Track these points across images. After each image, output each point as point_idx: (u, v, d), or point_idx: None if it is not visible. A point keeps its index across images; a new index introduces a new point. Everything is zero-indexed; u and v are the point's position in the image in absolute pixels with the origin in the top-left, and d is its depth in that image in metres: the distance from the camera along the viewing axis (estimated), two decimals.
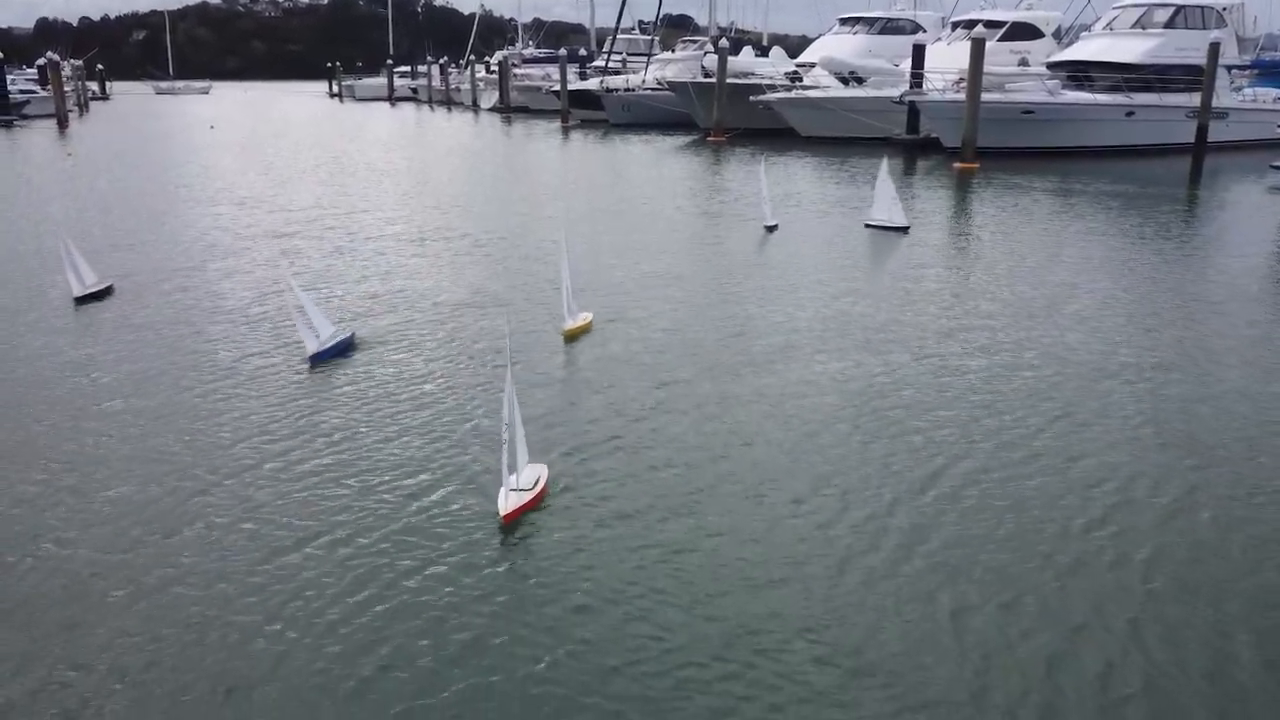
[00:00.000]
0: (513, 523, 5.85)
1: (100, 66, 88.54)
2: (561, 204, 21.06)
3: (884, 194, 17.17)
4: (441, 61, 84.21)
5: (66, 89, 54.14)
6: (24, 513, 6.11)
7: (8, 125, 47.89)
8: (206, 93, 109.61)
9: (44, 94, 57.36)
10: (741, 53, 46.14)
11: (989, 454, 7.07)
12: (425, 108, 76.34)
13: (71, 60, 67.07)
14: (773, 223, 17.28)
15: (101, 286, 12.26)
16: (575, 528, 5.90)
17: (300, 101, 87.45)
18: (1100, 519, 6.05)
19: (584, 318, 10.32)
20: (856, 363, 9.20)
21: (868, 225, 17.28)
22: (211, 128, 48.74)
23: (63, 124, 47.54)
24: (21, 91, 54.92)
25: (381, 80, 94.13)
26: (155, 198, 22.01)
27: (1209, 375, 9.11)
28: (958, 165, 28.97)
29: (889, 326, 10.66)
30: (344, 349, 9.55)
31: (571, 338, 9.93)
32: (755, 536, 5.80)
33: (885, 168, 17.45)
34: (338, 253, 15.31)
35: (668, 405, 7.98)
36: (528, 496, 5.96)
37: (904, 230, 16.79)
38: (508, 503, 5.86)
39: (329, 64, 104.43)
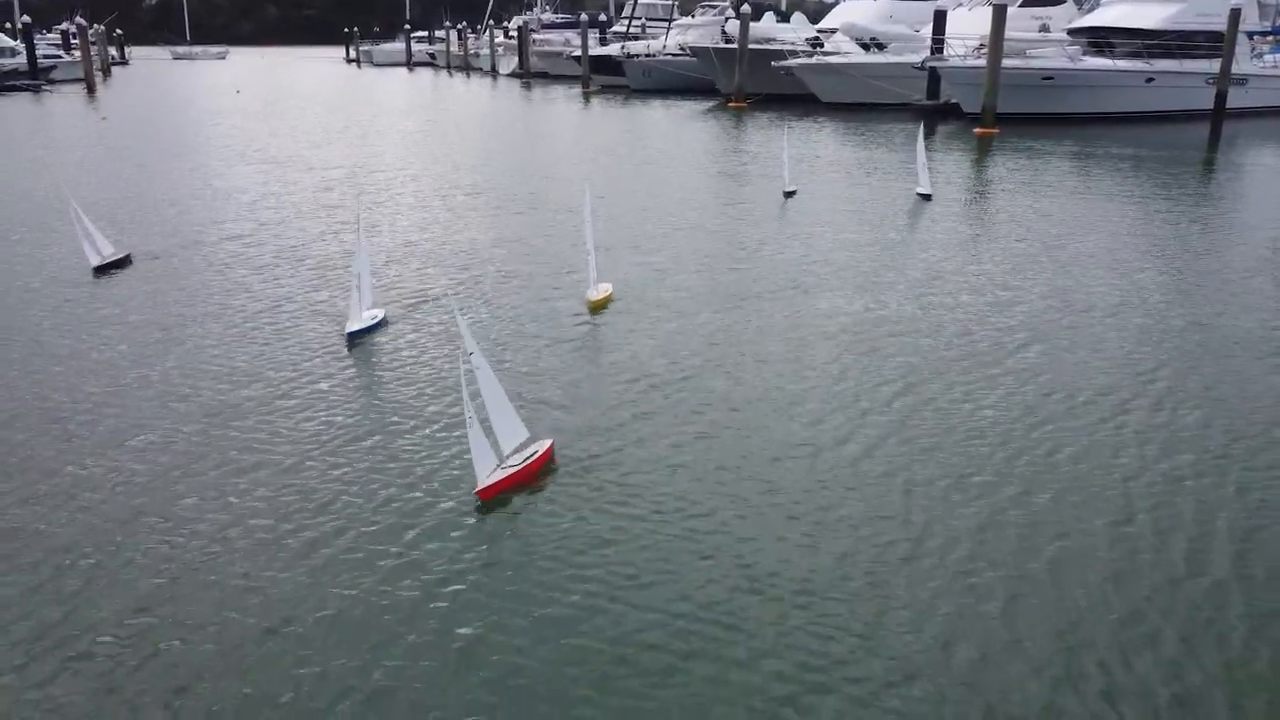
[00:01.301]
0: (493, 499, 5.74)
1: (119, 31, 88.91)
2: (586, 170, 21.50)
3: (920, 162, 17.57)
4: (459, 27, 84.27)
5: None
6: (46, 478, 6.32)
7: (36, 90, 48.54)
8: (223, 58, 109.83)
9: (68, 59, 58.07)
10: (763, 18, 46.32)
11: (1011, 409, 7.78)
12: (444, 73, 76.54)
13: (94, 25, 67.54)
14: (791, 188, 17.72)
15: (118, 256, 11.90)
16: (565, 503, 5.81)
17: (318, 67, 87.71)
18: (1071, 426, 6.99)
19: (604, 289, 10.29)
20: (888, 337, 9.51)
21: (919, 194, 17.45)
22: (238, 92, 49.31)
23: (91, 89, 48.16)
24: (45, 56, 55.49)
25: (399, 46, 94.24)
26: (194, 159, 22.70)
27: (1185, 315, 9.85)
28: (978, 130, 29.38)
29: (909, 291, 11.19)
30: (379, 326, 9.35)
31: (596, 309, 9.94)
32: (773, 518, 5.72)
33: (921, 136, 17.94)
34: (370, 218, 15.95)
35: (693, 378, 7.94)
36: (511, 471, 5.84)
37: (927, 197, 17.26)
38: (487, 478, 5.73)
39: (346, 29, 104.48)
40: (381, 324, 9.43)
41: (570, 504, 5.82)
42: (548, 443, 6.29)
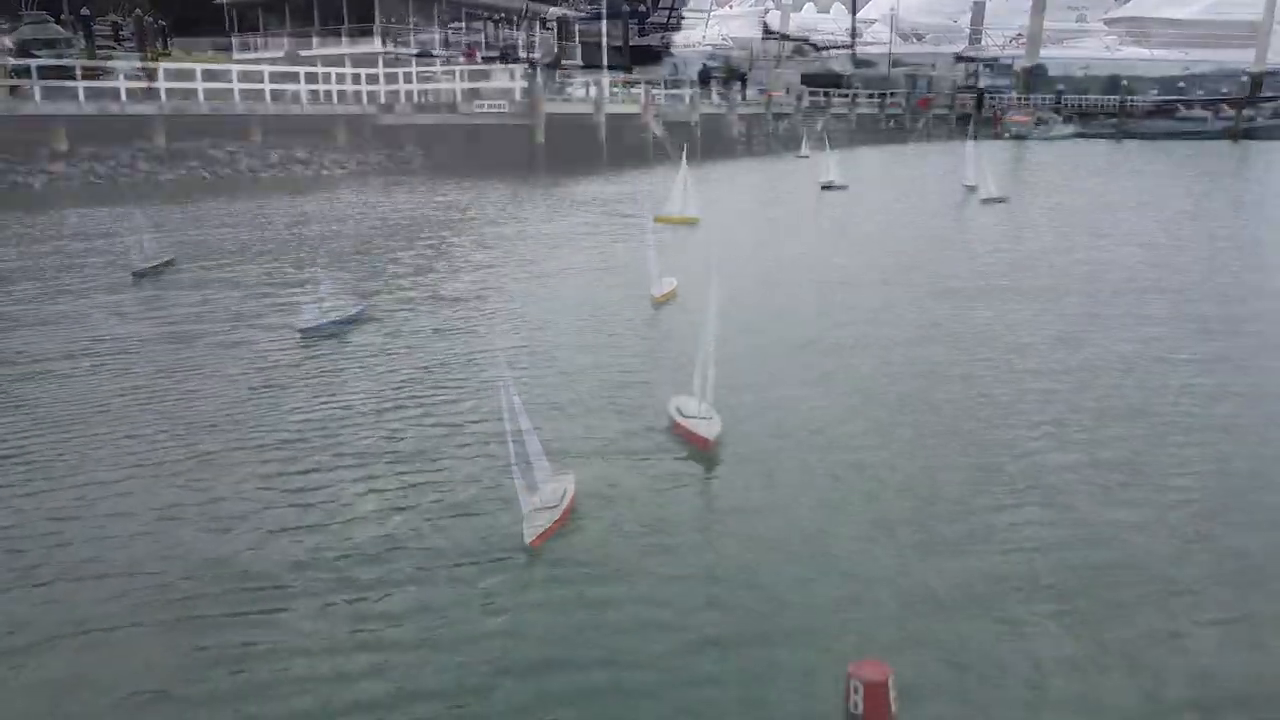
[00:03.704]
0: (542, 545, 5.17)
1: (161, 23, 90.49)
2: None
3: (971, 158, 18.02)
4: None
5: None
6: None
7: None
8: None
9: (123, 52, 59.56)
10: (802, 10, 47.03)
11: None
12: None
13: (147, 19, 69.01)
14: (828, 180, 18.14)
15: (162, 260, 11.03)
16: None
17: None
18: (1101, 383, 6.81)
19: (669, 284, 9.87)
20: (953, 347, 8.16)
21: (966, 187, 17.85)
22: None
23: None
24: (99, 48, 56.79)
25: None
26: None
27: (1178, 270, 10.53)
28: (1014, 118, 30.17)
29: (981, 285, 10.35)
30: (349, 322, 8.63)
31: (661, 304, 9.58)
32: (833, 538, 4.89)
33: (972, 130, 18.76)
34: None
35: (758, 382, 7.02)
36: (556, 516, 5.53)
37: (972, 189, 17.67)
38: (535, 527, 5.34)
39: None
40: (353, 320, 8.73)
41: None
42: (571, 477, 5.94)
